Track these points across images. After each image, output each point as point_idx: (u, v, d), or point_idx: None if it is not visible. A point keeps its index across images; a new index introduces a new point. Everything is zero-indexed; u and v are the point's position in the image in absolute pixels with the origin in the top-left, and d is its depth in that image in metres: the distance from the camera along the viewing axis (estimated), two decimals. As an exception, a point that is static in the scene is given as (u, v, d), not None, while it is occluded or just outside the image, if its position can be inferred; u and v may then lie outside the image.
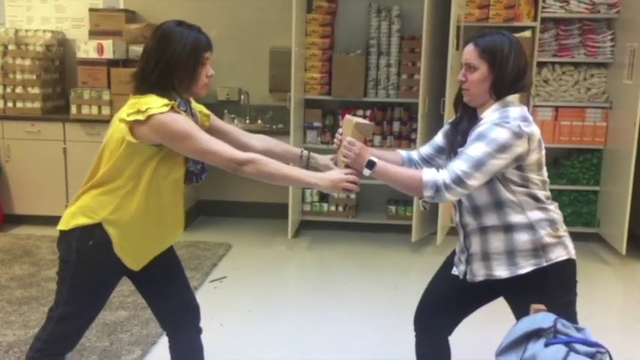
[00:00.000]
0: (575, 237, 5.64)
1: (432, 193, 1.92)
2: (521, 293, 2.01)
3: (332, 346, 3.27)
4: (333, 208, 5.21)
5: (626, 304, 4.17)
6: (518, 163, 1.95)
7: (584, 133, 4.93)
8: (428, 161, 2.25)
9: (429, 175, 1.93)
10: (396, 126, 5.12)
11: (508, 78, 1.98)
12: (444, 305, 2.23)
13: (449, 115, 4.48)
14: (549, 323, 1.39)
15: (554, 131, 4.92)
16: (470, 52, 2.01)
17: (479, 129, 1.96)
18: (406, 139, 5.09)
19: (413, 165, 2.27)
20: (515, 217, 1.99)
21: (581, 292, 3.86)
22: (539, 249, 2.00)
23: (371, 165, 1.98)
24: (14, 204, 5.09)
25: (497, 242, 2.01)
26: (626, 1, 4.66)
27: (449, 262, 2.25)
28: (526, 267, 2.00)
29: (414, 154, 2.30)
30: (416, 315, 2.29)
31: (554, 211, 2.06)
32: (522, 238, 1.99)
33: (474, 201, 2.02)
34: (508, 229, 2.00)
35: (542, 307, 1.54)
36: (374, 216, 5.25)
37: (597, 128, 4.92)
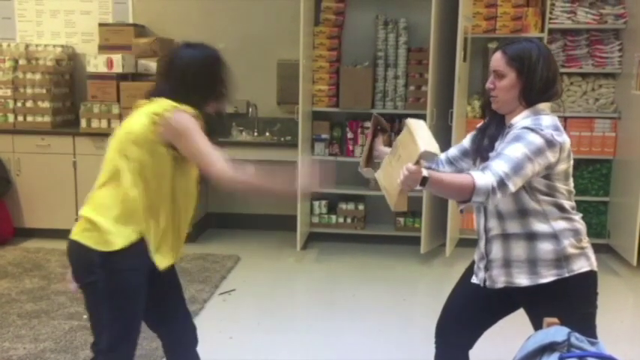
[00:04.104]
0: (586, 248, 5.46)
1: (483, 199, 1.83)
2: (541, 303, 2.00)
3: (341, 358, 3.26)
4: (341, 220, 5.20)
5: (637, 315, 4.14)
6: (547, 172, 1.94)
7: (593, 144, 4.92)
8: (453, 163, 2.26)
9: (481, 180, 1.82)
10: (404, 137, 5.11)
11: (537, 85, 1.97)
12: (466, 318, 2.21)
13: (457, 127, 4.48)
14: (563, 337, 1.38)
15: (563, 142, 4.90)
16: (498, 59, 2.01)
17: (514, 132, 1.94)
18: (414, 151, 5.08)
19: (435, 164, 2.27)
20: (539, 226, 1.98)
21: (592, 303, 3.75)
22: (561, 259, 1.98)
23: (424, 181, 1.80)
24: (24, 217, 5.11)
25: (519, 250, 2.01)
26: (633, 12, 4.67)
27: (469, 273, 2.23)
28: (547, 277, 1.99)
29: (440, 155, 2.27)
30: (437, 329, 2.27)
31: (579, 222, 2.05)
32: (545, 248, 1.98)
33: (498, 206, 2.01)
34: (531, 237, 1.99)
35: (555, 320, 1.53)
36: (382, 227, 5.24)
37: (606, 139, 4.90)
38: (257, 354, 3.28)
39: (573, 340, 1.36)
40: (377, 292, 4.19)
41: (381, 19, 5.08)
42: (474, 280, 2.17)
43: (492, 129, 2.09)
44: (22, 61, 5.11)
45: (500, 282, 2.06)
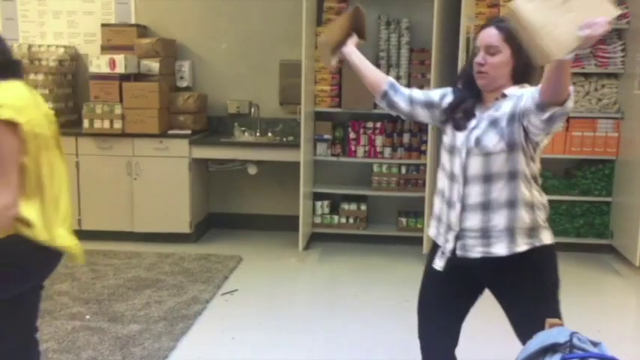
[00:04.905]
0: (588, 248, 5.58)
1: (571, 106, 1.85)
2: (515, 273, 2.05)
3: (343, 358, 3.26)
4: (343, 220, 5.20)
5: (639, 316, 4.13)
6: (542, 138, 1.99)
7: (596, 144, 4.91)
8: (411, 102, 2.26)
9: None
10: (406, 137, 5.12)
11: (532, 64, 1.97)
12: (441, 315, 2.23)
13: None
14: (565, 338, 1.38)
15: (566, 142, 4.90)
16: (493, 35, 2.02)
17: (529, 89, 1.95)
18: (416, 151, 5.08)
19: (393, 90, 2.27)
20: (523, 192, 2.02)
21: (594, 304, 3.85)
22: (534, 229, 2.05)
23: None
24: (27, 217, 5.11)
25: (500, 218, 2.03)
26: (636, 12, 4.65)
27: (430, 268, 2.22)
28: (522, 245, 2.04)
29: (403, 88, 2.29)
30: (420, 334, 2.29)
31: (545, 199, 2.13)
32: (523, 216, 2.03)
33: (489, 167, 2.02)
34: (512, 204, 2.02)
35: (557, 321, 1.53)
36: (384, 228, 5.24)
37: (609, 139, 4.89)
38: (259, 354, 3.29)
39: (575, 341, 1.36)
40: (379, 292, 4.19)
41: (383, 19, 5.08)
42: (438, 263, 2.15)
43: (469, 103, 2.09)
44: (24, 62, 5.11)
45: (475, 252, 2.07)
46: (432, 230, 2.24)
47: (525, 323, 2.02)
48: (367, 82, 2.34)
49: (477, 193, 2.04)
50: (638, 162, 4.53)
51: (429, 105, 2.24)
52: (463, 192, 2.06)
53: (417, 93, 2.28)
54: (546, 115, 1.83)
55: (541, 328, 1.92)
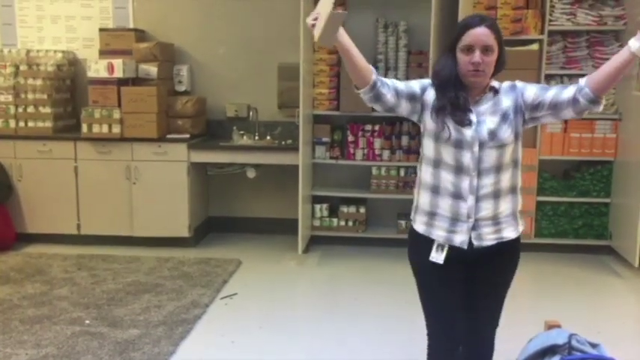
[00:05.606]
0: (587, 249, 5.57)
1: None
2: (511, 253, 2.20)
3: (344, 362, 3.26)
4: (342, 223, 5.20)
5: (639, 316, 4.12)
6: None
7: (594, 145, 4.92)
8: (397, 95, 2.15)
9: None
10: (405, 140, 5.12)
11: (506, 55, 2.16)
12: (458, 317, 2.25)
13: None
14: (564, 339, 1.38)
15: (564, 143, 4.91)
16: (487, 34, 2.07)
17: (520, 83, 2.17)
18: (415, 153, 5.08)
19: (380, 80, 2.11)
20: (518, 178, 2.18)
21: (593, 305, 3.85)
22: (521, 212, 2.22)
23: None
24: (26, 223, 5.12)
25: (507, 204, 2.16)
26: (632, 13, 4.67)
27: (432, 269, 2.21)
28: (521, 226, 2.22)
29: (387, 79, 2.17)
30: (441, 336, 2.29)
31: None
32: (519, 200, 2.20)
33: (502, 158, 2.11)
34: (514, 190, 2.18)
35: (556, 322, 1.53)
36: (384, 230, 5.24)
37: (607, 140, 4.90)
38: (259, 357, 3.28)
39: (574, 342, 1.36)
40: (379, 295, 4.19)
41: (381, 22, 5.09)
42: (438, 256, 2.15)
43: (463, 98, 2.11)
44: (23, 67, 5.12)
45: (489, 240, 2.15)
46: (420, 226, 2.24)
47: (490, 306, 2.20)
48: (356, 70, 2.08)
49: (491, 183, 2.12)
50: (637, 163, 4.53)
51: (412, 97, 2.17)
52: (478, 183, 2.11)
53: (400, 84, 2.17)
54: (601, 106, 2.03)
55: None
